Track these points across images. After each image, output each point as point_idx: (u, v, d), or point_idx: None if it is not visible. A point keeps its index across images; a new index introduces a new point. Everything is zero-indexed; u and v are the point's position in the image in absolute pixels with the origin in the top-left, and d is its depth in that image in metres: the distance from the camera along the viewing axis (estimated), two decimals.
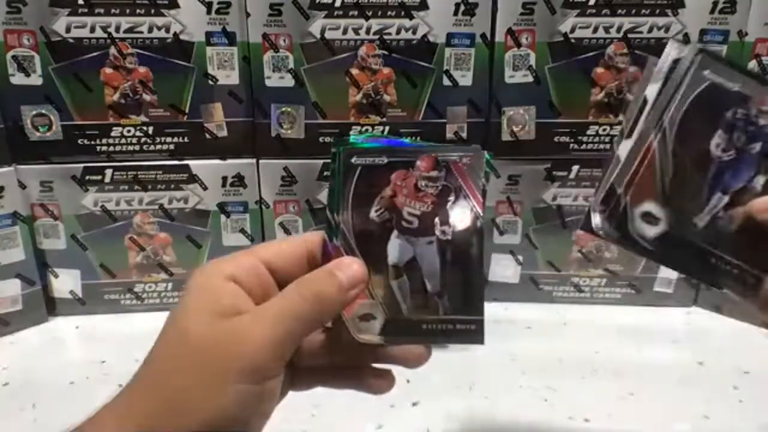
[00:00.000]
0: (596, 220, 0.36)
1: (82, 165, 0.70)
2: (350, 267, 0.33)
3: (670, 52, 0.36)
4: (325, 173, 0.72)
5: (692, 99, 0.35)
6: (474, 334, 0.36)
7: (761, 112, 0.35)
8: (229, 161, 0.72)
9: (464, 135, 0.71)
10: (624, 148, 0.36)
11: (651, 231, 0.35)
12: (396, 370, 0.39)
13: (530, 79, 0.69)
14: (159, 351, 0.32)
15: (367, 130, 0.70)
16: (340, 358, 0.36)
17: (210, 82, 0.69)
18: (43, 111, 0.67)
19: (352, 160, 0.36)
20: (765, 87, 0.36)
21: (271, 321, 0.31)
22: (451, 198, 0.36)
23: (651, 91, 0.36)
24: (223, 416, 0.30)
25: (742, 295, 0.35)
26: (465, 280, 0.35)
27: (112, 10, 0.65)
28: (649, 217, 0.35)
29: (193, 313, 0.32)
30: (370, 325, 0.35)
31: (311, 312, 0.32)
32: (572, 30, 0.67)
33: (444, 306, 0.35)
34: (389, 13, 0.66)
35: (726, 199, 0.35)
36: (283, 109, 0.70)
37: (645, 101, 0.36)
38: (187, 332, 0.31)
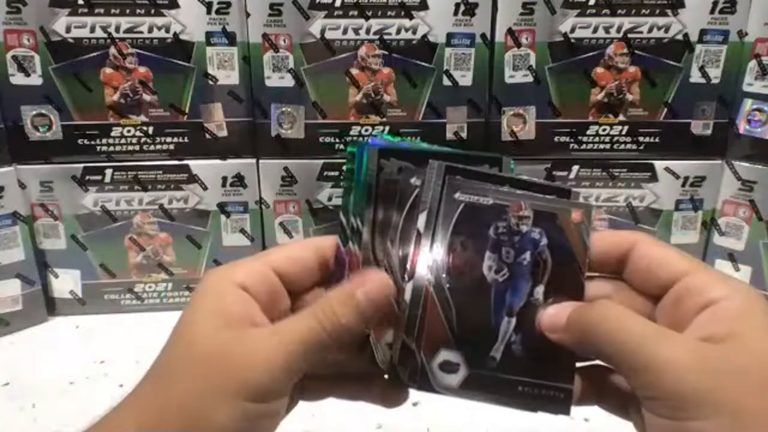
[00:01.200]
0: (379, 356, 0.33)
1: (82, 165, 0.70)
2: (373, 285, 0.31)
3: (432, 172, 0.33)
4: (327, 173, 0.72)
5: (452, 227, 0.33)
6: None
7: (521, 219, 0.33)
8: (229, 161, 0.72)
9: (464, 135, 0.71)
10: (407, 294, 0.32)
11: (454, 380, 0.32)
12: None
13: (530, 79, 0.69)
14: (164, 356, 0.31)
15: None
16: (351, 368, 0.35)
17: (210, 82, 0.69)
18: (43, 111, 0.67)
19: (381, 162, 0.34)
20: (516, 190, 0.34)
21: (284, 343, 0.30)
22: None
23: (421, 222, 0.33)
24: (224, 429, 0.29)
25: (556, 414, 0.33)
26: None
27: (112, 10, 0.65)
28: (447, 366, 0.32)
29: (202, 322, 0.31)
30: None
31: (326, 339, 0.30)
32: (572, 30, 0.67)
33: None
34: (389, 13, 0.66)
35: (513, 321, 0.33)
36: (283, 109, 0.70)
37: (419, 234, 0.33)
38: (194, 341, 0.30)
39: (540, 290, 0.33)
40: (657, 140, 0.72)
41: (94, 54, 0.66)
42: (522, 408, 0.33)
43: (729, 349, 0.27)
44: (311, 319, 0.30)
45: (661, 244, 0.32)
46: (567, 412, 0.33)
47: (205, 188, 0.72)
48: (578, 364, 0.33)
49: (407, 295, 0.32)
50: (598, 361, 0.32)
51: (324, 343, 0.30)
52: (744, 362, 0.26)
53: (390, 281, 0.31)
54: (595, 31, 0.67)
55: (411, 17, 0.67)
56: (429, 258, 0.33)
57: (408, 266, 0.33)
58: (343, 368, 0.35)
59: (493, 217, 0.33)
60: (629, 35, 0.67)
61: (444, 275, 0.33)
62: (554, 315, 0.32)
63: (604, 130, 0.71)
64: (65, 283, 0.74)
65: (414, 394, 0.35)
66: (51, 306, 0.75)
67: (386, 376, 0.34)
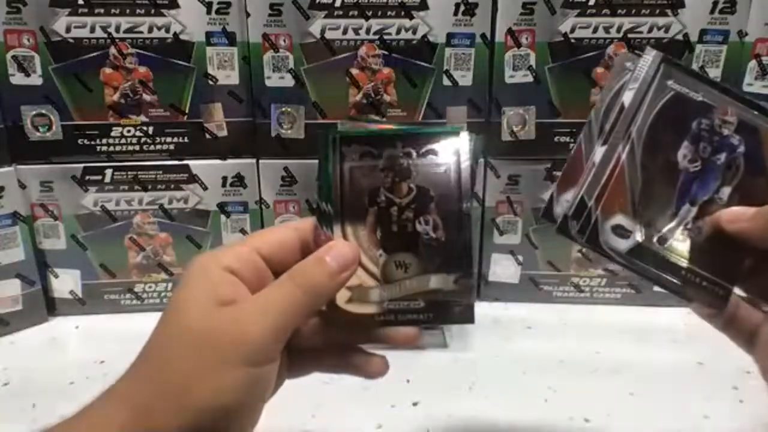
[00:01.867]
0: (558, 209, 0.36)
1: (82, 165, 0.70)
2: (340, 251, 0.34)
3: (648, 58, 0.36)
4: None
5: (658, 109, 0.35)
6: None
7: (724, 122, 0.35)
8: (229, 161, 0.72)
9: None
10: (598, 156, 0.35)
11: (623, 244, 0.35)
12: (396, 370, 0.39)
13: (530, 79, 0.69)
14: (157, 339, 0.33)
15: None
16: (333, 337, 0.38)
17: (210, 82, 0.69)
18: (43, 111, 0.67)
19: (343, 150, 0.36)
20: (727, 97, 0.36)
21: (268, 309, 0.32)
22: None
23: (628, 97, 0.36)
24: (221, 399, 0.31)
25: (710, 307, 0.35)
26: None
27: (112, 10, 0.65)
28: (620, 230, 0.35)
29: (192, 302, 0.33)
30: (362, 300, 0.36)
31: (305, 299, 0.33)
32: (572, 30, 0.67)
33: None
34: (389, 13, 0.66)
35: (694, 210, 0.35)
36: (283, 109, 0.70)
37: (623, 108, 0.36)
38: (185, 320, 0.32)
39: (726, 191, 0.35)
40: None
41: (94, 54, 0.66)
42: (678, 292, 0.35)
43: None
44: (288, 284, 0.33)
45: None
46: (722, 308, 0.35)
47: (205, 188, 0.72)
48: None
49: (597, 156, 0.35)
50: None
51: (302, 305, 0.33)
52: None
53: (356, 247, 0.35)
54: (595, 31, 0.67)
55: (411, 17, 0.67)
56: (623, 131, 0.35)
57: (606, 128, 0.35)
58: (325, 339, 0.38)
59: (699, 113, 0.36)
60: (629, 35, 0.67)
61: (639, 149, 0.35)
62: (738, 209, 0.34)
63: None
64: (65, 283, 0.74)
65: (414, 394, 0.36)
66: (51, 306, 0.75)
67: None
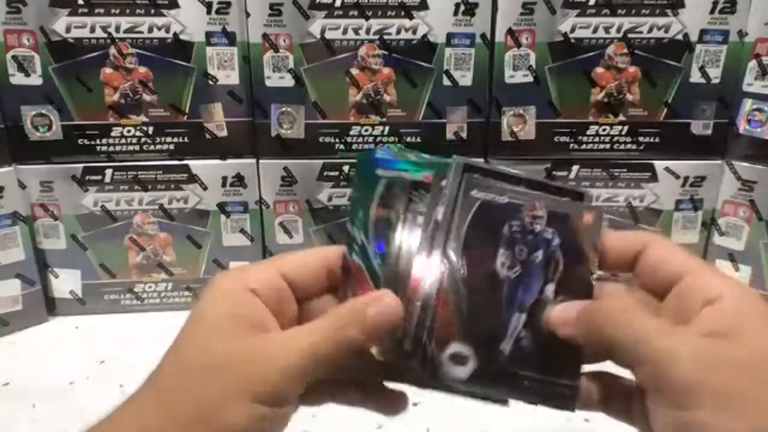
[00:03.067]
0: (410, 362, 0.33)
1: (82, 165, 0.70)
2: (384, 305, 0.32)
3: (451, 172, 0.34)
4: (327, 173, 0.72)
5: (468, 223, 0.34)
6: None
7: (534, 219, 0.34)
8: (229, 161, 0.72)
9: (464, 135, 0.71)
10: (424, 286, 0.33)
11: (463, 372, 0.33)
12: None
13: (530, 79, 0.69)
14: (173, 357, 0.31)
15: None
16: (352, 373, 0.36)
17: (210, 82, 0.69)
18: (43, 111, 0.67)
19: (377, 172, 0.35)
20: (532, 190, 0.35)
21: (297, 351, 0.30)
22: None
23: (439, 214, 0.34)
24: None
25: (561, 409, 0.34)
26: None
27: (112, 10, 0.65)
28: (458, 358, 0.33)
29: (212, 324, 0.31)
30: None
31: (335, 350, 0.31)
32: (572, 30, 0.67)
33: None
34: (389, 13, 0.66)
35: (524, 317, 0.34)
36: (283, 109, 0.70)
37: (437, 226, 0.34)
38: (204, 344, 0.31)
39: (551, 288, 0.34)
40: (657, 140, 0.72)
41: (94, 54, 0.66)
42: (527, 401, 0.34)
43: (730, 344, 0.28)
44: (325, 330, 0.31)
45: (670, 244, 0.34)
46: (572, 408, 0.34)
47: (205, 188, 0.72)
48: (586, 368, 0.34)
49: (423, 288, 0.33)
50: (603, 368, 0.33)
51: (334, 354, 0.31)
52: (745, 356, 0.28)
53: (400, 305, 0.32)
54: (595, 31, 0.67)
55: (411, 17, 0.67)
56: (444, 251, 0.34)
57: (424, 257, 0.34)
58: (344, 375, 0.35)
59: (509, 216, 0.34)
60: (629, 35, 0.67)
61: (459, 269, 0.33)
62: (563, 311, 0.33)
63: (604, 130, 0.71)
64: (65, 283, 0.74)
65: (414, 394, 0.36)
66: (51, 306, 0.75)
67: (384, 375, 0.35)
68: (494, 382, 0.33)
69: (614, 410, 0.35)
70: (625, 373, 0.33)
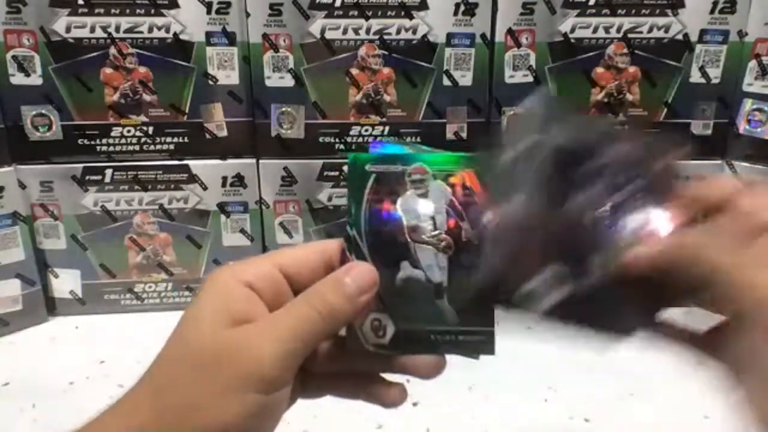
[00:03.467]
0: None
1: (82, 165, 0.70)
2: (359, 272, 0.33)
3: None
4: (327, 173, 0.72)
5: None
6: (485, 345, 0.35)
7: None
8: (229, 161, 0.72)
9: (464, 135, 0.71)
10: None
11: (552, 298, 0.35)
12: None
13: (530, 79, 0.69)
14: (166, 354, 0.31)
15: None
16: (350, 365, 0.36)
17: (210, 82, 0.69)
18: (43, 111, 0.67)
19: (366, 168, 0.35)
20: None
21: (280, 332, 0.31)
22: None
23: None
24: (229, 426, 0.29)
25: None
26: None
27: (112, 10, 0.65)
28: (552, 280, 0.34)
29: (206, 319, 0.31)
30: (380, 334, 0.35)
31: (321, 323, 0.31)
32: (572, 30, 0.67)
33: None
34: (389, 13, 0.66)
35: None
36: (283, 109, 0.70)
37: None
38: (197, 339, 0.31)
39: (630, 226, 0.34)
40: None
41: (94, 54, 0.66)
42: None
43: None
44: (304, 307, 0.32)
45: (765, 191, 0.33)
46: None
47: (205, 188, 0.72)
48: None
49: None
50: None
51: (318, 328, 0.31)
52: None
53: (374, 271, 0.33)
54: (595, 31, 0.67)
55: (411, 17, 0.67)
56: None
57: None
58: (340, 368, 0.36)
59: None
60: (629, 35, 0.67)
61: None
62: (649, 247, 0.33)
63: None
64: (65, 283, 0.74)
65: (414, 394, 0.36)
66: (51, 306, 0.75)
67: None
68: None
69: (702, 346, 0.36)
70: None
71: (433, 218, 0.35)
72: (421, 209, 0.35)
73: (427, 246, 0.35)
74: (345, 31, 0.67)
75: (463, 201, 0.34)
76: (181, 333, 0.32)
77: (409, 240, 0.35)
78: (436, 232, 0.34)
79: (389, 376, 0.36)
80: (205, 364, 0.30)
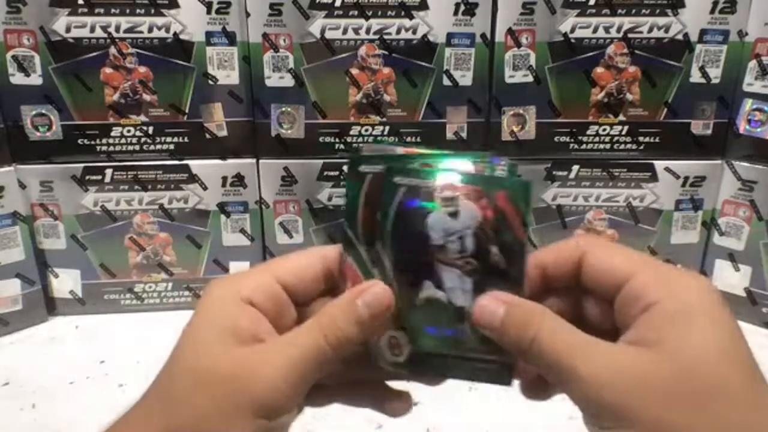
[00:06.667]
0: None
1: (82, 165, 0.70)
2: (373, 296, 0.31)
3: None
4: (327, 173, 0.72)
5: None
6: (502, 375, 0.33)
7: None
8: (229, 161, 0.72)
9: (464, 135, 0.71)
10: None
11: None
12: None
13: (530, 79, 0.69)
14: (177, 369, 0.31)
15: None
16: (357, 375, 0.35)
17: (210, 82, 0.69)
18: (43, 111, 0.67)
19: (360, 168, 0.34)
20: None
21: (291, 358, 0.30)
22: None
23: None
24: None
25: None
26: None
27: (112, 10, 0.65)
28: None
29: (209, 338, 0.31)
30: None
31: (331, 352, 0.30)
32: (572, 30, 0.67)
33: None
34: (389, 13, 0.66)
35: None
36: (283, 109, 0.70)
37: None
38: (203, 359, 0.30)
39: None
40: (657, 140, 0.72)
41: (94, 54, 0.66)
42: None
43: (652, 358, 0.27)
44: (315, 332, 0.31)
45: (609, 246, 0.32)
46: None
47: (205, 188, 0.72)
48: None
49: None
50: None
51: (328, 355, 0.30)
52: (664, 372, 0.26)
53: (390, 291, 0.32)
54: (595, 31, 0.67)
55: (411, 17, 0.67)
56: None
57: None
58: (347, 377, 0.35)
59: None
60: (629, 35, 0.67)
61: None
62: (489, 309, 0.31)
63: (604, 130, 0.71)
64: (65, 283, 0.74)
65: (414, 394, 0.35)
66: (51, 306, 0.75)
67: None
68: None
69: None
70: None
71: (461, 239, 0.33)
72: (449, 228, 0.33)
73: (452, 268, 0.33)
74: (345, 31, 0.67)
75: (494, 224, 0.33)
76: (189, 348, 0.31)
77: (434, 260, 0.33)
78: (463, 254, 0.33)
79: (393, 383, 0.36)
80: (217, 384, 0.29)
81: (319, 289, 0.34)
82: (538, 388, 0.33)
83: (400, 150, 0.35)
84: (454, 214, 0.33)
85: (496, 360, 0.33)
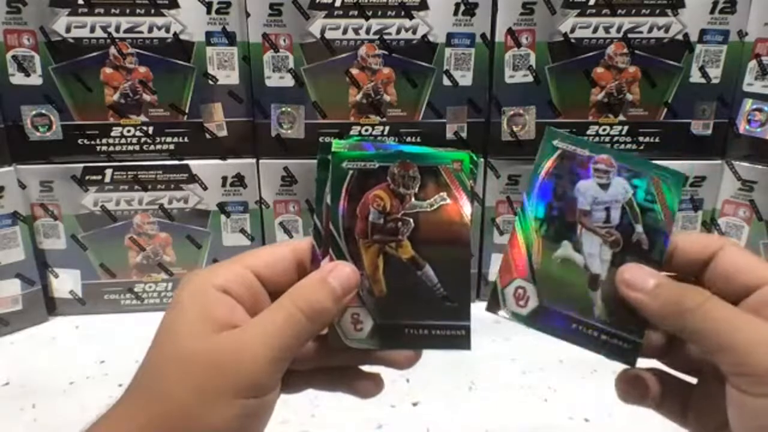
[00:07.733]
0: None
1: (82, 165, 0.70)
2: (342, 272, 0.33)
3: None
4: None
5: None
6: (461, 339, 0.35)
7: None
8: (229, 161, 0.72)
9: (464, 135, 0.71)
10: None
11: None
12: (397, 371, 0.39)
13: (530, 79, 0.69)
14: (152, 362, 0.31)
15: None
16: (330, 360, 0.36)
17: (210, 82, 0.69)
18: (43, 111, 0.67)
19: (343, 165, 0.35)
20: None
21: (267, 335, 0.31)
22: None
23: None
24: (222, 431, 0.29)
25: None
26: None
27: (112, 10, 0.65)
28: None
29: (187, 327, 0.31)
30: (358, 327, 0.35)
31: (306, 323, 0.31)
32: (572, 30, 0.67)
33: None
34: (389, 13, 0.66)
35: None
36: (283, 109, 0.70)
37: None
38: (182, 347, 0.31)
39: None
40: (657, 140, 0.72)
41: (94, 54, 0.66)
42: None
43: None
44: (289, 307, 0.32)
45: (742, 251, 0.34)
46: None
47: (205, 188, 0.72)
48: (641, 362, 0.35)
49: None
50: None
51: (305, 329, 0.31)
52: None
53: (356, 270, 0.34)
54: (595, 31, 0.67)
55: (411, 17, 0.67)
56: None
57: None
58: (320, 362, 0.36)
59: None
60: (629, 35, 0.67)
61: None
62: (638, 274, 0.33)
63: (604, 130, 0.71)
64: (65, 283, 0.74)
65: (414, 394, 0.36)
66: (51, 306, 0.75)
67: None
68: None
69: (668, 408, 0.36)
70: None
71: (607, 210, 0.35)
72: (598, 198, 0.35)
73: (594, 235, 0.35)
74: (345, 31, 0.67)
75: (642, 205, 0.35)
76: (164, 340, 0.32)
77: (578, 222, 0.35)
78: (608, 225, 0.35)
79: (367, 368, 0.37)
80: (198, 370, 0.30)
81: (291, 280, 0.35)
82: (639, 387, 0.36)
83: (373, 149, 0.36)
84: (605, 186, 0.35)
85: (620, 335, 0.34)
